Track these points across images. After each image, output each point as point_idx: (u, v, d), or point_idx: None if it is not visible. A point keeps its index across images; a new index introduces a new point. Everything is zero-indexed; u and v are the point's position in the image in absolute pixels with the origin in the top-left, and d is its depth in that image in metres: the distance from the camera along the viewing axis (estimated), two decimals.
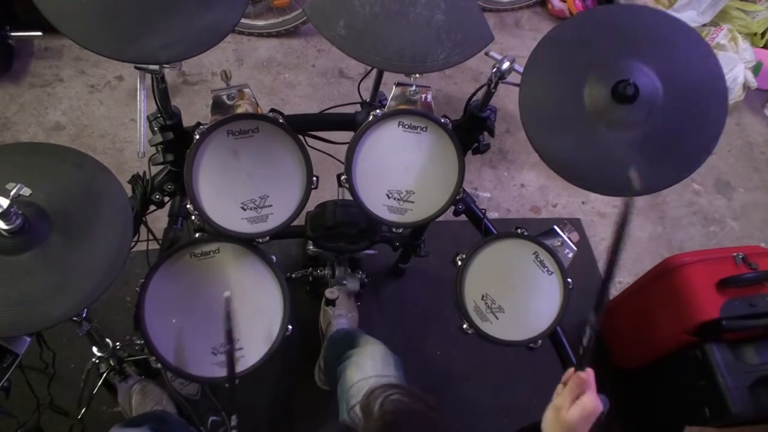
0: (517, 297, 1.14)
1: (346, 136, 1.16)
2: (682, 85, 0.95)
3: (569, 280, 1.13)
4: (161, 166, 1.16)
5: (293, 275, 1.62)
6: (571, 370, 0.86)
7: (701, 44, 0.97)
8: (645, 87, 0.93)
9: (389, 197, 1.15)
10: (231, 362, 0.90)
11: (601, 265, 2.03)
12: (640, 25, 0.99)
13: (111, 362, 1.30)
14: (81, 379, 1.33)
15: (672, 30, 0.98)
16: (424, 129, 1.13)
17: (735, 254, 1.50)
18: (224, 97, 1.06)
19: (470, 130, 1.26)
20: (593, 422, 0.81)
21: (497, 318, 1.13)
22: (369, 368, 1.14)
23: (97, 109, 2.01)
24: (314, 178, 1.10)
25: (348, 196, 1.16)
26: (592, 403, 0.81)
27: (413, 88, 1.12)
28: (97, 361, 1.29)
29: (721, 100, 0.95)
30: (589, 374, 0.84)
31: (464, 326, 1.13)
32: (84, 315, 1.04)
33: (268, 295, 1.12)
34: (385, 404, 0.71)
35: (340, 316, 1.61)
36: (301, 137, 1.10)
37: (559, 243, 1.15)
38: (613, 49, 0.97)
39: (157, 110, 1.08)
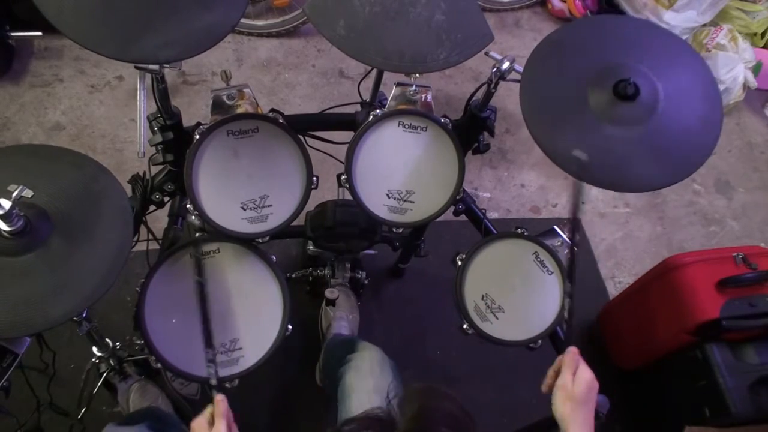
0: (517, 297, 1.14)
1: (346, 136, 1.16)
2: (677, 89, 0.96)
3: None
4: (161, 166, 1.16)
5: (293, 275, 1.62)
6: (560, 357, 0.92)
7: (690, 53, 1.00)
8: (645, 87, 0.93)
9: (389, 197, 1.15)
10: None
11: (601, 265, 2.05)
12: (632, 34, 1.02)
13: (111, 362, 1.29)
14: (81, 379, 1.33)
15: (662, 40, 1.02)
16: (424, 129, 1.13)
17: (735, 254, 1.50)
18: (224, 97, 1.06)
19: (470, 130, 1.26)
20: (597, 392, 0.87)
21: (497, 318, 1.13)
22: (367, 373, 1.15)
23: (97, 109, 2.01)
24: (314, 178, 1.10)
25: (348, 196, 1.16)
26: (590, 374, 0.87)
27: (413, 88, 1.12)
28: (97, 361, 1.29)
29: (715, 103, 0.97)
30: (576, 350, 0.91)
31: (464, 326, 1.13)
32: (84, 315, 1.04)
33: (268, 295, 1.12)
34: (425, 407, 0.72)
35: (340, 317, 1.61)
36: (301, 137, 1.10)
37: (559, 243, 1.16)
38: (611, 53, 0.99)
39: (157, 110, 1.08)
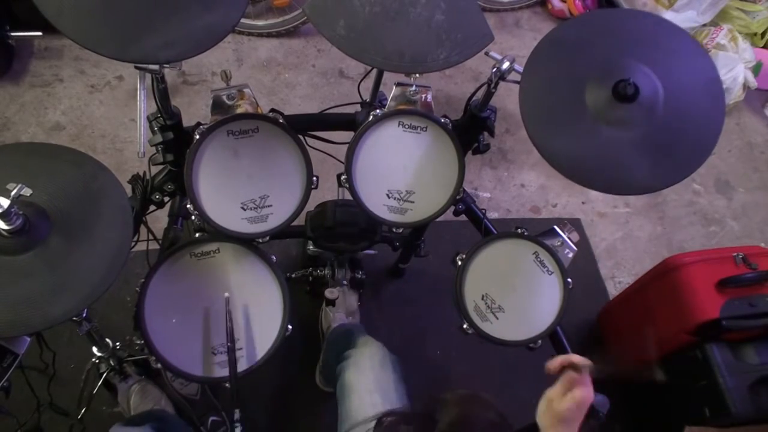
0: (517, 297, 1.14)
1: (346, 136, 1.16)
2: (679, 86, 0.95)
3: (569, 280, 1.13)
4: (161, 166, 1.16)
5: (293, 275, 1.62)
6: (557, 358, 0.86)
7: (694, 46, 0.99)
8: (645, 86, 0.93)
9: (389, 197, 1.15)
10: (233, 361, 0.90)
11: (601, 265, 2.05)
12: (636, 28, 1.01)
13: (111, 362, 1.30)
14: (81, 379, 1.33)
15: (666, 33, 1.00)
16: (424, 129, 1.13)
17: (735, 254, 1.50)
18: (224, 97, 1.05)
19: (470, 130, 1.26)
20: (585, 412, 0.83)
21: (497, 318, 1.13)
22: (368, 369, 1.15)
23: (97, 109, 2.01)
24: (314, 178, 1.10)
25: (348, 196, 1.16)
26: (582, 394, 0.82)
27: (413, 88, 1.12)
28: (97, 361, 1.29)
29: (718, 100, 0.96)
30: (584, 373, 0.85)
31: (464, 326, 1.13)
32: (84, 315, 1.04)
33: (268, 295, 1.12)
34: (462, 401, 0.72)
35: (340, 318, 1.61)
36: (301, 137, 1.10)
37: (559, 243, 1.15)
38: (612, 50, 0.98)
39: (157, 110, 1.08)
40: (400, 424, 0.71)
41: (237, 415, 0.92)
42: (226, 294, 1.02)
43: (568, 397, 0.82)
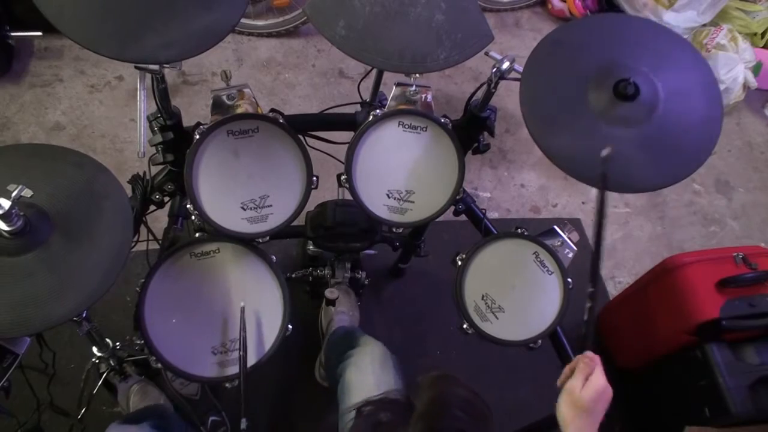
0: (517, 297, 1.14)
1: (346, 136, 1.16)
2: (679, 89, 0.96)
3: (569, 280, 1.13)
4: (161, 166, 1.16)
5: (293, 275, 1.62)
6: (578, 357, 0.87)
7: (693, 52, 1.00)
8: (645, 87, 0.93)
9: (389, 197, 1.15)
10: (243, 367, 0.91)
11: (601, 265, 2.05)
12: (636, 33, 1.02)
13: (111, 362, 1.29)
14: (81, 379, 1.33)
15: (665, 39, 1.02)
16: (424, 129, 1.13)
17: (735, 254, 1.50)
18: (224, 97, 1.05)
19: (470, 130, 1.26)
20: (607, 405, 0.81)
21: (497, 318, 1.13)
22: (368, 369, 1.15)
23: (97, 109, 2.01)
24: (314, 178, 1.10)
25: (348, 196, 1.16)
26: (602, 381, 0.81)
27: (413, 88, 1.12)
28: (97, 361, 1.28)
29: (717, 103, 0.97)
30: (594, 356, 0.85)
31: (464, 326, 1.13)
32: (84, 315, 1.04)
33: (268, 295, 1.12)
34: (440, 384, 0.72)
35: (340, 317, 1.61)
36: (301, 137, 1.10)
37: (559, 243, 1.16)
38: (612, 52, 0.99)
39: (157, 110, 1.08)
40: (379, 412, 0.71)
41: (244, 424, 0.92)
42: (242, 303, 1.04)
43: (588, 385, 0.81)
